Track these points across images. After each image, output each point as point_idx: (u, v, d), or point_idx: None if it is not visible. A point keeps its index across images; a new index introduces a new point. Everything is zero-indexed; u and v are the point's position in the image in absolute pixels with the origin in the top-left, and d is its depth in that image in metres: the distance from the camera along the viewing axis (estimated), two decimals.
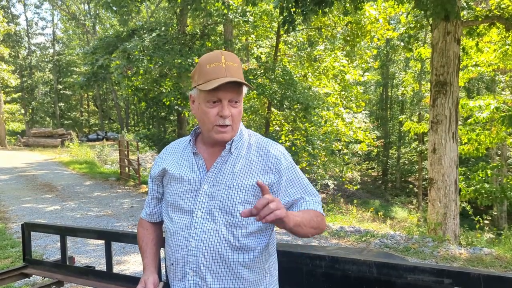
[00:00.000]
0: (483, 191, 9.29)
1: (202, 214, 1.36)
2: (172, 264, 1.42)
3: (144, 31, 12.02)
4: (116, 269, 3.67)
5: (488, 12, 7.72)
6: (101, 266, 4.59)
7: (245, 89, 1.40)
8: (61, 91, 37.65)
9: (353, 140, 17.33)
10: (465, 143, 10.99)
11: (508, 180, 10.94)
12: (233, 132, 1.38)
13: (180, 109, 13.07)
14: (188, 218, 1.38)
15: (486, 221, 8.30)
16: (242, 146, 1.43)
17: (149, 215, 1.58)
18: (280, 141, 15.84)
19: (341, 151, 19.24)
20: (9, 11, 35.28)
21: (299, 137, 15.09)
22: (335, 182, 18.91)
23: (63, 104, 38.87)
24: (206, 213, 1.36)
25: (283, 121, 16.04)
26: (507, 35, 9.01)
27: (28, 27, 38.42)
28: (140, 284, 1.45)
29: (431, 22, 7.16)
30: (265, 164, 1.40)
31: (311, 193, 1.43)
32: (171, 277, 1.44)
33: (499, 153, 17.73)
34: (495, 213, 16.62)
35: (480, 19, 7.66)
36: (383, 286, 1.71)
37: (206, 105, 1.34)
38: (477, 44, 9.34)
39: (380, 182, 29.36)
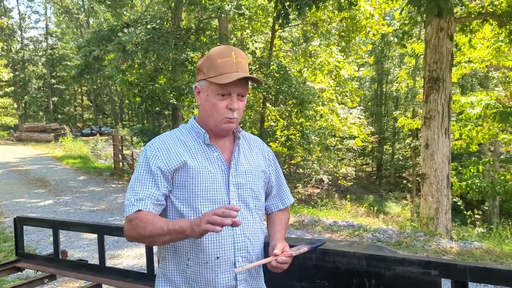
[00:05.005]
0: (474, 186, 9.38)
1: (236, 203, 1.41)
2: (218, 257, 1.36)
3: (138, 25, 11.92)
4: (109, 263, 3.68)
5: (481, 9, 7.75)
6: (95, 260, 4.59)
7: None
8: (54, 86, 37.30)
9: (347, 136, 17.36)
10: (457, 139, 11.08)
11: (499, 176, 11.04)
12: (237, 123, 1.47)
13: (175, 103, 13.00)
14: None
15: (477, 216, 8.39)
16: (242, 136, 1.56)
17: (157, 205, 1.35)
18: (275, 136, 15.86)
19: (336, 147, 19.29)
20: (1, 4, 34.89)
21: (294, 132, 15.10)
22: (330, 177, 18.97)
23: (57, 99, 38.50)
24: (240, 201, 1.42)
25: (278, 116, 16.04)
26: (500, 31, 9.03)
27: (21, 21, 38.01)
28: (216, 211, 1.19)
29: (424, 18, 7.18)
30: (262, 152, 1.59)
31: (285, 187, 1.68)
32: (214, 272, 1.37)
33: (492, 149, 17.86)
34: (487, 208, 16.76)
35: (473, 16, 7.70)
36: (372, 278, 1.73)
37: (216, 97, 1.39)
38: (470, 41, 9.39)
39: (374, 177, 29.47)
